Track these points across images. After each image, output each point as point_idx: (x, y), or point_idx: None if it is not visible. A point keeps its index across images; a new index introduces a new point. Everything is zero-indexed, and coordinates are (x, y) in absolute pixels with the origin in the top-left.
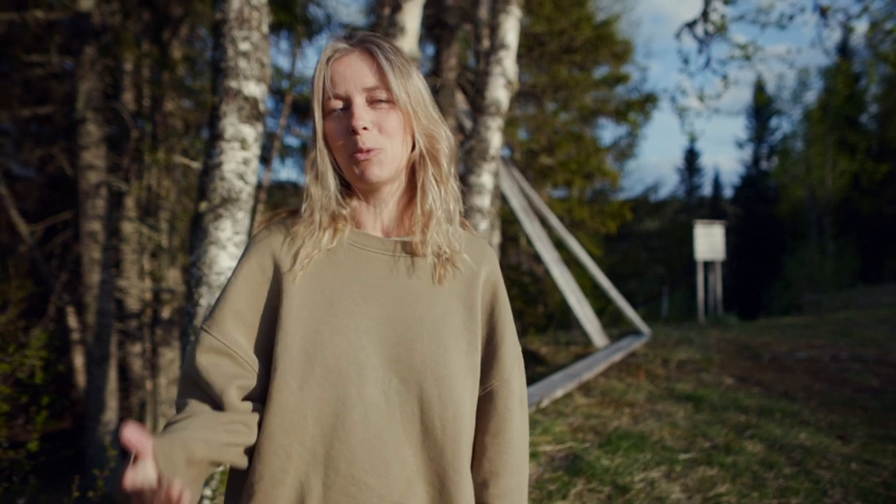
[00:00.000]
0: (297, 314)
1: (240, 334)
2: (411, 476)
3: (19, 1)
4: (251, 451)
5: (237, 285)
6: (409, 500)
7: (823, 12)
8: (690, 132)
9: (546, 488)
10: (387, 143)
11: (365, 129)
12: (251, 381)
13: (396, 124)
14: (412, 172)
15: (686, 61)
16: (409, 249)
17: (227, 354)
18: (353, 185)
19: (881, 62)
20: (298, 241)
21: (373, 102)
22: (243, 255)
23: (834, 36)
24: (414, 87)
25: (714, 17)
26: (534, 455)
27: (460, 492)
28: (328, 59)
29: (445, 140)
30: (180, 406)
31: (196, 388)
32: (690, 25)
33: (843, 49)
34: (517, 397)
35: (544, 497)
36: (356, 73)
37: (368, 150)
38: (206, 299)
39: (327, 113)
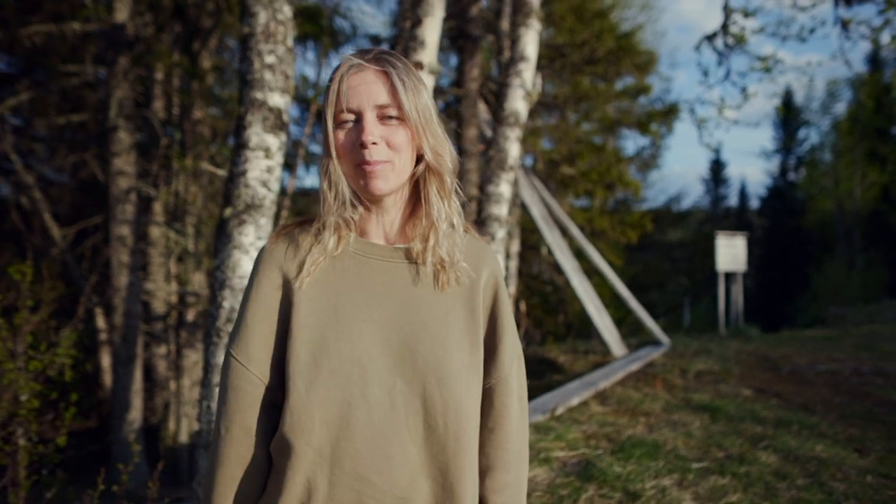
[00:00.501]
0: (305, 321)
1: (261, 351)
2: (415, 472)
3: (57, 13)
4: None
5: (252, 304)
6: (413, 495)
7: (845, 25)
8: (708, 143)
9: (557, 493)
10: (395, 157)
11: (374, 143)
12: (272, 396)
13: (404, 140)
14: (415, 184)
15: (706, 73)
16: (410, 257)
17: (241, 377)
18: (358, 194)
19: None
20: (304, 249)
21: (383, 118)
22: (254, 272)
23: (862, 47)
24: (423, 106)
25: (734, 29)
26: (546, 460)
27: (463, 486)
28: (343, 74)
29: (449, 155)
30: (220, 450)
31: (233, 420)
32: (710, 38)
33: (875, 60)
34: (515, 395)
35: (555, 501)
36: (369, 90)
37: (375, 163)
38: (228, 302)
39: (338, 124)
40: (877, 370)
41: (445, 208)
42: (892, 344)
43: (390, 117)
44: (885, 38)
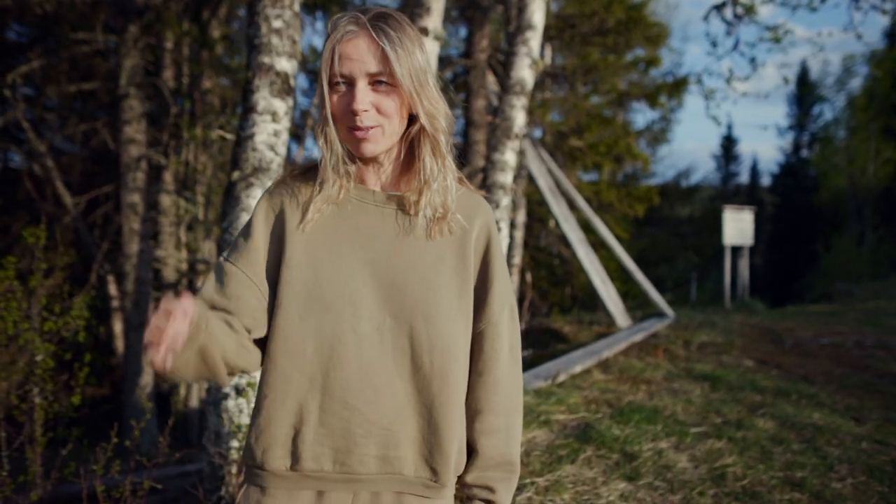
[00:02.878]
0: (300, 257)
1: (253, 262)
2: (401, 405)
3: None
4: (263, 377)
5: (254, 227)
6: (398, 427)
7: None
8: (715, 116)
9: (556, 453)
10: (384, 121)
11: (364, 110)
12: (260, 314)
13: (394, 105)
14: (410, 142)
15: (714, 44)
16: (403, 205)
17: (234, 278)
18: (352, 152)
19: None
20: (306, 195)
21: (374, 84)
22: (256, 207)
23: (879, 21)
24: (417, 69)
25: None
26: (546, 422)
27: (448, 424)
28: (337, 40)
29: (444, 117)
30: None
31: (220, 293)
32: (719, 8)
33: (892, 34)
34: (505, 340)
35: (553, 461)
36: (361, 58)
37: (366, 129)
38: None
39: (332, 86)
40: (879, 343)
41: (438, 167)
42: (894, 319)
43: (381, 82)
44: (893, 7)
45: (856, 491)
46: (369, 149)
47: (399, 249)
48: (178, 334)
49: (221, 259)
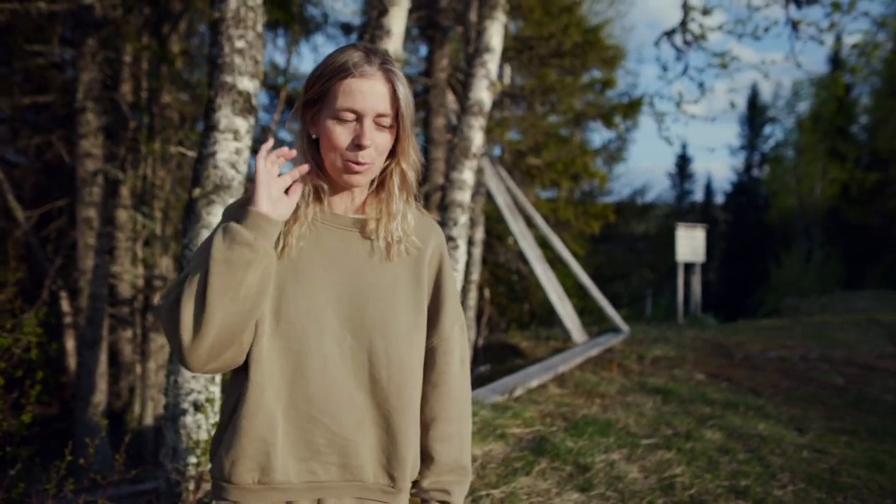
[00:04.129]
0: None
1: None
2: (361, 417)
3: None
4: (232, 392)
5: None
6: (359, 438)
7: (795, 25)
8: (666, 137)
9: (512, 465)
10: (378, 158)
11: (369, 147)
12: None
13: (388, 143)
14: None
15: (665, 69)
16: (365, 229)
17: None
18: (333, 180)
19: (849, 74)
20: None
21: (376, 123)
22: (223, 220)
23: (824, 47)
24: (412, 114)
25: (693, 26)
26: (502, 436)
27: (404, 433)
28: (352, 75)
29: (416, 154)
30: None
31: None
32: (669, 34)
33: (835, 60)
34: (457, 355)
35: (509, 473)
36: (375, 98)
37: (364, 164)
38: None
39: (337, 118)
40: (823, 357)
41: (403, 200)
42: (839, 333)
43: (382, 124)
44: (830, 39)
45: (796, 498)
46: (360, 181)
47: (360, 270)
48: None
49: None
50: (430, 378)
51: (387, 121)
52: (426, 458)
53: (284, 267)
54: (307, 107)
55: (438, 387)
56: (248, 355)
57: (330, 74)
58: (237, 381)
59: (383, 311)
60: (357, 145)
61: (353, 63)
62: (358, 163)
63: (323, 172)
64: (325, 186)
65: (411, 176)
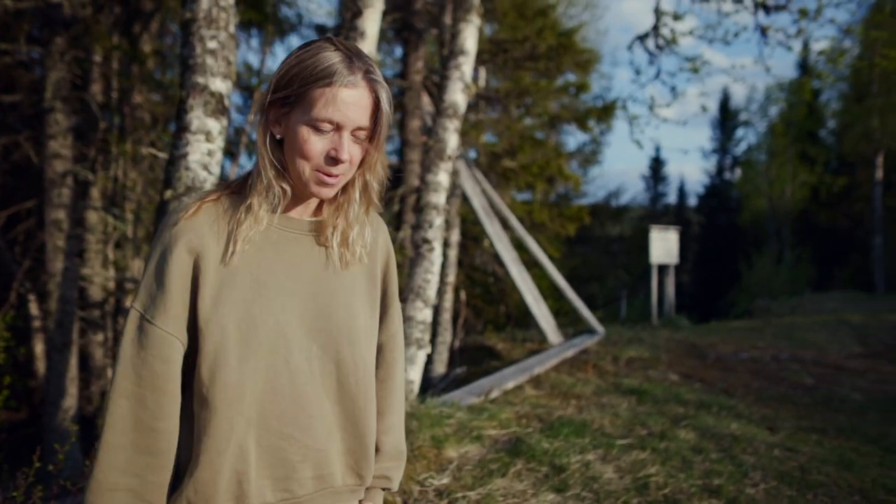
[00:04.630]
0: (228, 295)
1: (180, 319)
2: (331, 426)
3: None
4: (190, 423)
5: (170, 272)
6: (329, 446)
7: (764, 31)
8: (638, 140)
9: (488, 467)
10: (350, 171)
11: (346, 160)
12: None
13: (360, 155)
14: None
15: (638, 72)
16: (321, 232)
17: (172, 348)
18: (295, 183)
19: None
20: (227, 223)
21: (353, 135)
22: (170, 240)
23: (792, 53)
24: (389, 127)
25: (665, 31)
26: (478, 438)
27: (371, 434)
28: (336, 84)
29: (383, 167)
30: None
31: (165, 392)
32: (642, 38)
33: (804, 65)
34: (399, 349)
35: (485, 475)
36: (358, 111)
37: (337, 177)
38: None
39: (309, 123)
40: (793, 357)
41: (362, 210)
42: (808, 333)
43: (359, 137)
44: (797, 45)
45: (767, 496)
46: (330, 193)
47: (321, 277)
48: None
49: (139, 315)
50: (378, 374)
51: (363, 134)
52: None
53: (244, 279)
54: (272, 104)
55: (386, 382)
56: (213, 387)
57: (309, 78)
58: (202, 416)
59: (346, 317)
60: (333, 158)
61: (337, 70)
62: (331, 175)
63: (286, 175)
64: (287, 190)
65: (374, 187)
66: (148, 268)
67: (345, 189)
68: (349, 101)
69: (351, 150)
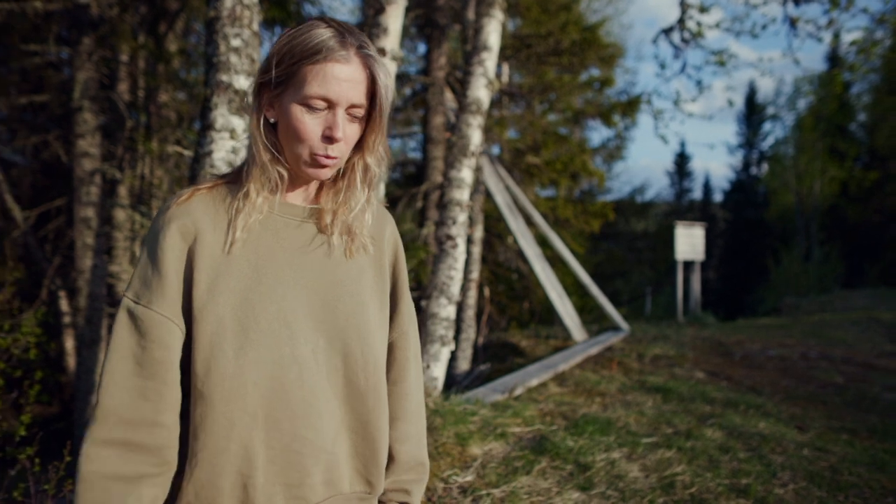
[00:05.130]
0: (225, 284)
1: (177, 305)
2: (338, 426)
3: None
4: (189, 422)
5: (165, 258)
6: (337, 447)
7: (793, 23)
8: (663, 135)
9: (512, 465)
10: (346, 151)
11: (341, 140)
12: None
13: (357, 134)
14: None
15: (662, 66)
16: (321, 219)
17: (172, 334)
18: (291, 166)
19: (847, 71)
20: (225, 210)
21: (348, 112)
22: (164, 226)
23: (821, 45)
24: (388, 105)
25: (690, 24)
26: (502, 435)
27: (382, 436)
28: (322, 53)
29: (384, 149)
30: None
31: (166, 381)
32: (667, 32)
33: (833, 58)
34: (413, 349)
35: (509, 472)
36: (352, 87)
37: (332, 158)
38: None
39: (302, 102)
40: (823, 355)
41: (364, 194)
42: (838, 331)
43: (354, 114)
44: (828, 36)
45: (797, 496)
46: (326, 174)
47: (325, 266)
48: None
49: (133, 302)
50: (390, 375)
51: (359, 111)
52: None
53: (243, 267)
54: (265, 88)
55: (398, 384)
56: (209, 380)
57: (299, 55)
58: (200, 411)
59: (355, 309)
60: (328, 137)
61: (328, 45)
62: (327, 156)
63: (281, 159)
64: (284, 175)
65: (375, 171)
66: (141, 256)
67: (344, 173)
68: (341, 76)
69: (346, 129)
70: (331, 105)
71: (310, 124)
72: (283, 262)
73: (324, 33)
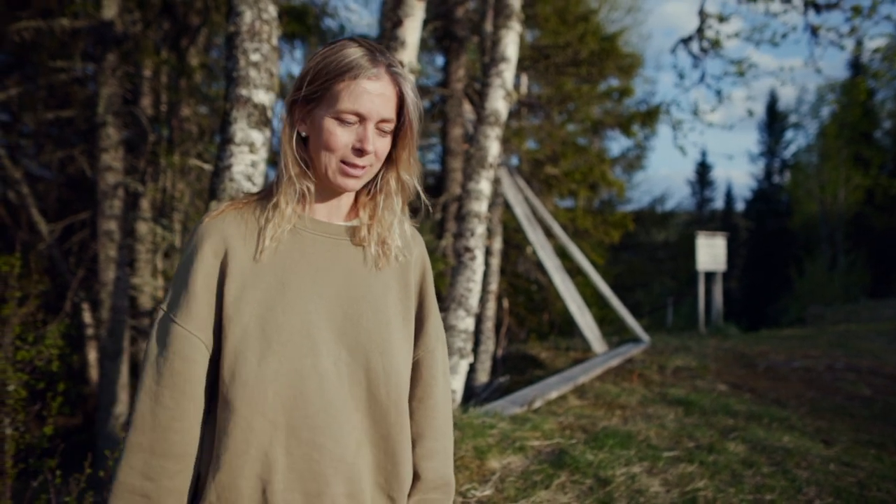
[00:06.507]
0: (252, 295)
1: (206, 320)
2: (360, 438)
3: (46, 9)
4: (215, 427)
5: (196, 272)
6: (359, 461)
7: (814, 31)
8: (682, 146)
9: (531, 479)
10: (376, 163)
11: (371, 151)
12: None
13: (386, 149)
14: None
15: (682, 76)
16: (355, 236)
17: (193, 347)
18: (321, 180)
19: (871, 79)
20: (255, 223)
21: (377, 127)
22: (196, 242)
23: (844, 53)
24: (418, 121)
25: (709, 33)
26: (521, 449)
27: (404, 452)
28: (358, 76)
29: (415, 164)
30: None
31: (184, 392)
32: (686, 42)
33: (856, 65)
34: (440, 367)
35: (528, 486)
36: (382, 101)
37: (362, 168)
38: None
39: (338, 117)
40: (849, 367)
41: (399, 208)
42: (865, 342)
43: (384, 129)
44: (850, 44)
45: None
46: (355, 185)
47: (350, 281)
48: None
49: (163, 313)
50: (416, 392)
51: (389, 126)
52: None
53: (270, 278)
54: (298, 103)
55: (424, 401)
56: (233, 385)
57: (333, 73)
58: (223, 415)
59: (378, 324)
60: (359, 150)
61: (359, 63)
62: (356, 166)
63: (310, 173)
64: (312, 189)
65: (410, 185)
66: (177, 270)
67: (381, 189)
68: (372, 91)
69: (376, 143)
70: (362, 119)
71: (342, 136)
72: (308, 277)
73: (356, 52)
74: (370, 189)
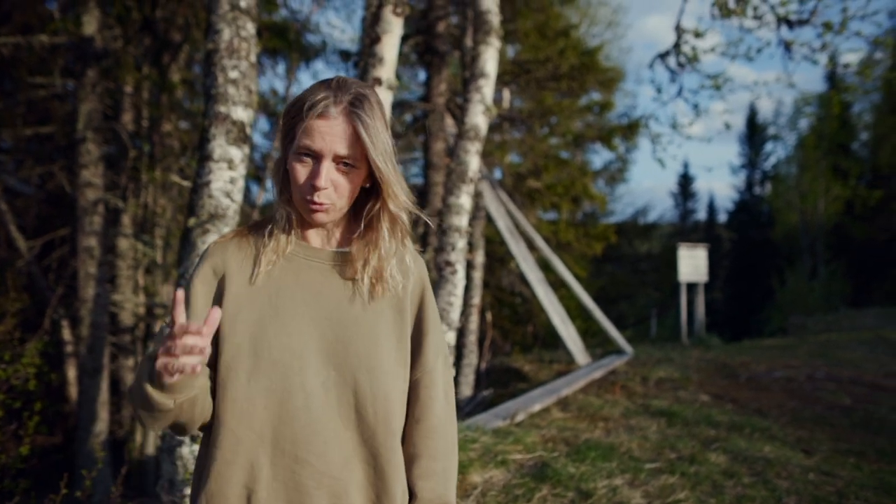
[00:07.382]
0: (246, 315)
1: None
2: (348, 455)
3: (26, 25)
4: (209, 439)
5: (195, 289)
6: (346, 476)
7: (787, 46)
8: (660, 159)
9: (512, 493)
10: (338, 200)
11: (324, 188)
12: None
13: (351, 186)
14: (354, 203)
15: (659, 91)
16: (347, 264)
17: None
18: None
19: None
20: (254, 247)
21: (339, 164)
22: (200, 262)
23: (819, 66)
24: (382, 147)
25: (686, 48)
26: (503, 462)
27: (393, 469)
28: (312, 115)
29: (405, 194)
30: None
31: None
32: (663, 56)
33: (832, 78)
34: (440, 388)
35: (510, 500)
36: (334, 140)
37: (321, 204)
38: None
39: (298, 155)
40: (829, 376)
41: (397, 243)
42: (845, 351)
43: (345, 164)
44: (823, 58)
45: None
46: (322, 219)
47: (342, 306)
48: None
49: (164, 323)
50: (413, 412)
51: (350, 161)
52: (410, 494)
53: (264, 301)
54: (282, 138)
55: (421, 422)
56: (223, 400)
57: (295, 112)
58: (214, 427)
59: (367, 347)
60: (312, 186)
61: (314, 103)
62: (314, 202)
63: (294, 202)
64: (292, 214)
65: (403, 218)
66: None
67: (370, 222)
68: (322, 130)
69: (333, 178)
70: (316, 156)
71: (301, 173)
72: (300, 300)
73: (318, 93)
74: (361, 219)
